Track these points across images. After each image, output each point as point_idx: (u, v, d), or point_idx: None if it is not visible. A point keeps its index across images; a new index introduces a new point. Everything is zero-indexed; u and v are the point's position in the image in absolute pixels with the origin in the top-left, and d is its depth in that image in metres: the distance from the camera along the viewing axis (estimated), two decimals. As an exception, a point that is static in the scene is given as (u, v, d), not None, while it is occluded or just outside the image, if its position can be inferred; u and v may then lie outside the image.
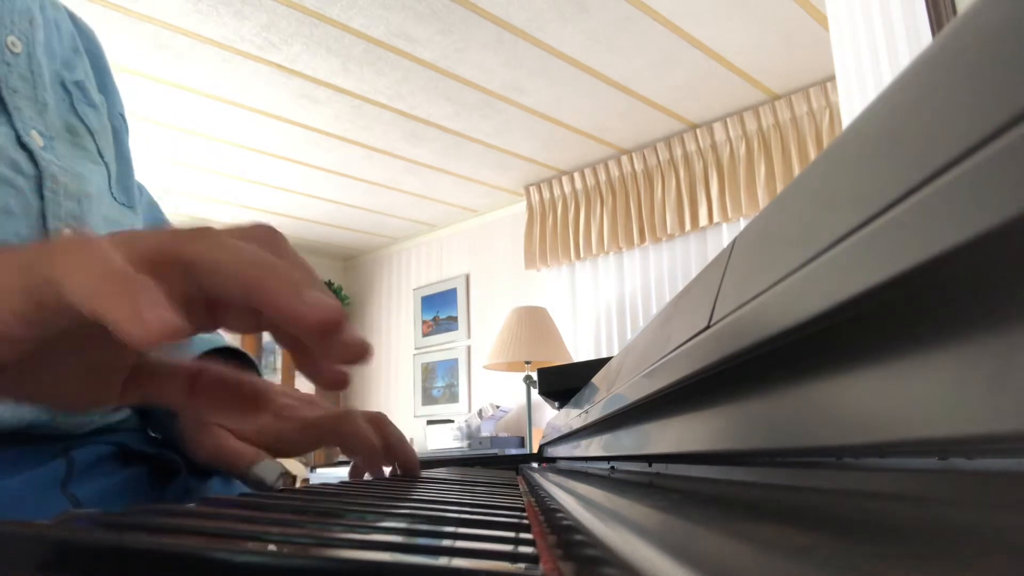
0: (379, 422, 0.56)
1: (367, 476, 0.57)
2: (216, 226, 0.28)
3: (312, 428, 0.51)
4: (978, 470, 0.12)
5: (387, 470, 0.57)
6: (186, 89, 2.70)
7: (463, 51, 2.49)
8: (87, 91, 0.58)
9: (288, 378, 4.44)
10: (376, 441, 0.52)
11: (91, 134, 0.56)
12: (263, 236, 0.28)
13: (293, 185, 3.67)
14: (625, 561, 0.14)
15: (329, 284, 4.87)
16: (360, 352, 0.25)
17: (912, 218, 0.11)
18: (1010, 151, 0.09)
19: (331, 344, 0.25)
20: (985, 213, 0.09)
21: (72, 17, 0.62)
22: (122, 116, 0.66)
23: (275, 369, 4.46)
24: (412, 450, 0.58)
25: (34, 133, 0.49)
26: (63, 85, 0.55)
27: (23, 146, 0.47)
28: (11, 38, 0.50)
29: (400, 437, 0.57)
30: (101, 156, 0.57)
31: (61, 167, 0.49)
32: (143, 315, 0.21)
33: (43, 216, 0.47)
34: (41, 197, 0.47)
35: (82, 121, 0.55)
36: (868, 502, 0.15)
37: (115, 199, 0.58)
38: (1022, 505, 0.10)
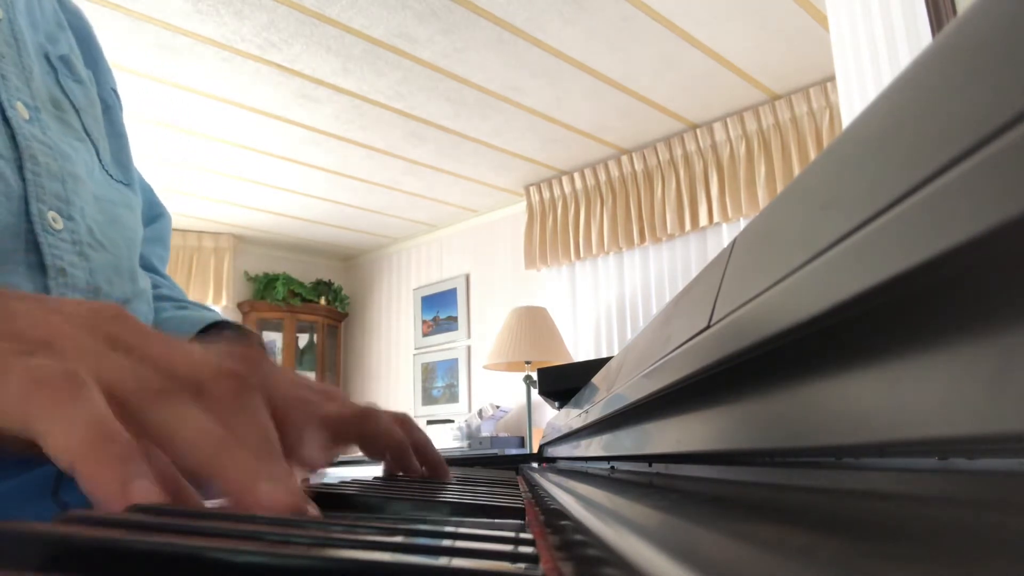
0: (404, 423, 0.51)
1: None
2: (179, 371, 0.26)
3: (331, 426, 0.44)
4: (978, 470, 0.12)
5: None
6: (186, 89, 2.70)
7: (463, 51, 2.49)
8: (72, 66, 0.55)
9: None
10: (403, 438, 0.48)
11: (76, 111, 0.54)
12: (228, 392, 0.27)
13: (293, 185, 3.68)
14: (625, 561, 0.14)
15: (329, 284, 4.86)
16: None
17: (912, 218, 0.11)
18: (1010, 151, 0.09)
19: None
20: (985, 213, 0.09)
21: None
22: (115, 91, 0.64)
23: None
24: (439, 453, 0.55)
25: (19, 105, 0.47)
26: (47, 59, 0.53)
27: (6, 121, 0.45)
28: None
29: (426, 440, 0.52)
30: (87, 134, 0.54)
31: (44, 144, 0.47)
32: (128, 490, 0.20)
33: (25, 199, 0.44)
34: (23, 179, 0.44)
35: (67, 97, 0.53)
36: (868, 502, 0.15)
37: (110, 176, 0.56)
38: (1022, 505, 0.10)
